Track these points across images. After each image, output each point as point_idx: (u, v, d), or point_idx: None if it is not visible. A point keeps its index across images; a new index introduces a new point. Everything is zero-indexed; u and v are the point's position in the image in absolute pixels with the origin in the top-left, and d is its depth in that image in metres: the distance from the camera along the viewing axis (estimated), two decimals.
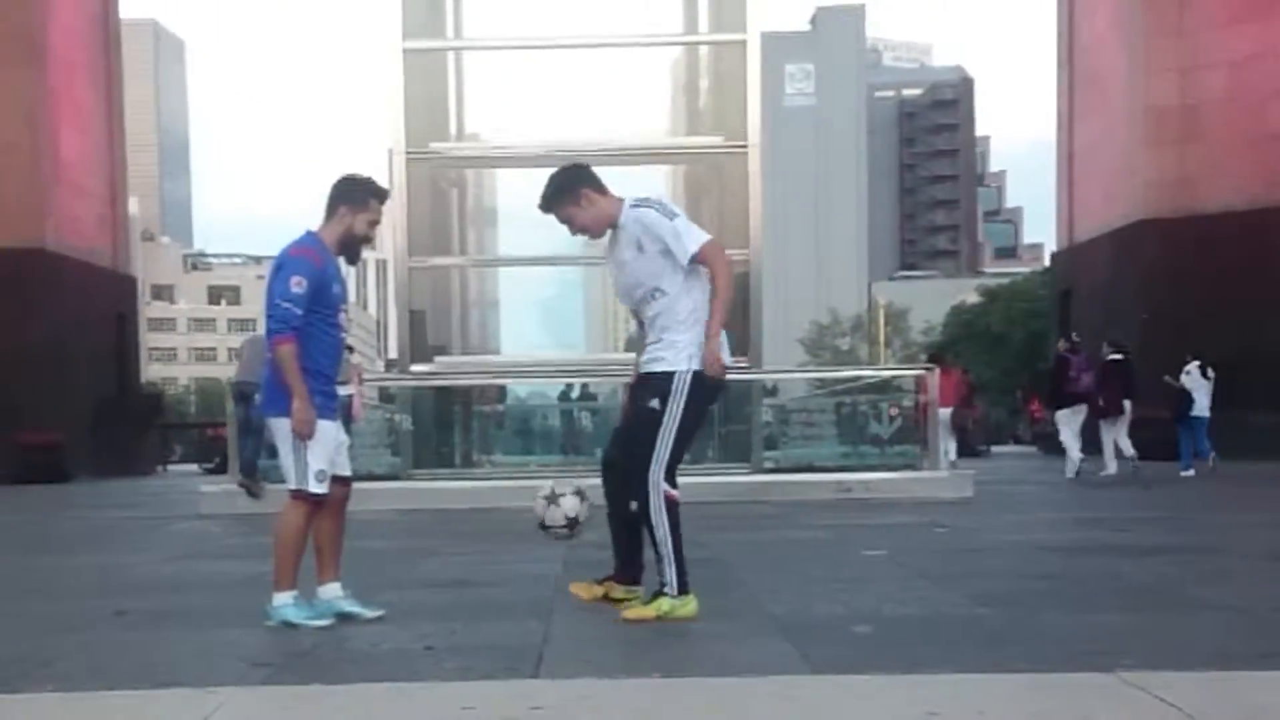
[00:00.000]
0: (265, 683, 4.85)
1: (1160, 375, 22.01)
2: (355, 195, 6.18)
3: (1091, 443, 20.13)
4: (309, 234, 6.16)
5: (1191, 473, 20.09)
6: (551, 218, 6.34)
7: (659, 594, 6.05)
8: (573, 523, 6.29)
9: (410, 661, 5.15)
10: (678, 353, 6.01)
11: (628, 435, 6.24)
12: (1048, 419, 20.27)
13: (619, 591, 6.35)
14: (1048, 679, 4.54)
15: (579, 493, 6.35)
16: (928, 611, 6.27)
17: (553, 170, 6.31)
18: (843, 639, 5.49)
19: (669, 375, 6.00)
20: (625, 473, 6.14)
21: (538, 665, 5.01)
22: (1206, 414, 20.90)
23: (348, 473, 6.32)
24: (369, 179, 6.29)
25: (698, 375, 5.98)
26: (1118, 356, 20.15)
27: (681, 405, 5.98)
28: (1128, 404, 19.51)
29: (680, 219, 6.01)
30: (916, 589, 7.10)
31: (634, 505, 6.09)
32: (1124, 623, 5.82)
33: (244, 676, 4.94)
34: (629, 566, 6.36)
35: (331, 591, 6.17)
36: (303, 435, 5.93)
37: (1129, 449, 19.19)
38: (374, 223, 6.22)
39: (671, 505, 6.02)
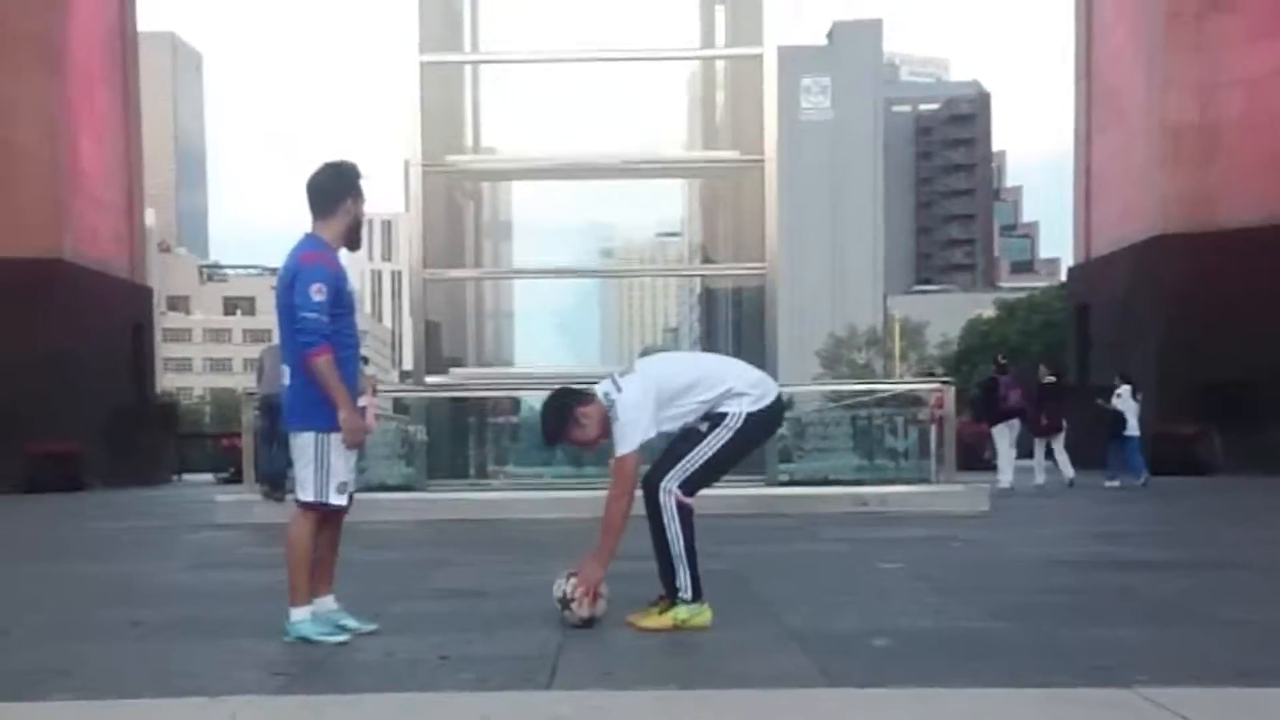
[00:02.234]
0: (280, 692, 4.86)
1: (1172, 392, 24.13)
2: (354, 183, 6.07)
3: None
4: (311, 237, 6.01)
5: (1117, 483, 21.51)
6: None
7: (673, 602, 6.05)
8: (589, 621, 6.27)
9: (425, 672, 5.16)
10: (738, 403, 6.17)
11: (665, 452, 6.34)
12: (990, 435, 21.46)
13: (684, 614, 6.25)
14: (1064, 694, 4.54)
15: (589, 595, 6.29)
16: (944, 625, 6.26)
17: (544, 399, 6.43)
18: (859, 652, 5.48)
19: (723, 414, 6.16)
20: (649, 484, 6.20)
21: (552, 676, 5.01)
22: (1137, 433, 22.51)
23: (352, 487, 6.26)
24: (349, 163, 6.15)
25: (752, 415, 6.13)
26: (1052, 379, 22.62)
27: (728, 436, 6.12)
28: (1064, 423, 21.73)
29: (620, 425, 6.12)
30: (933, 603, 7.08)
31: (648, 514, 6.17)
32: (1140, 637, 5.81)
33: (259, 686, 4.95)
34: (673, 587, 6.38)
35: (327, 605, 6.12)
36: (353, 445, 5.90)
37: (1069, 470, 21.59)
38: (363, 202, 6.16)
39: (684, 510, 6.08)
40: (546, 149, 20.51)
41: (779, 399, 6.36)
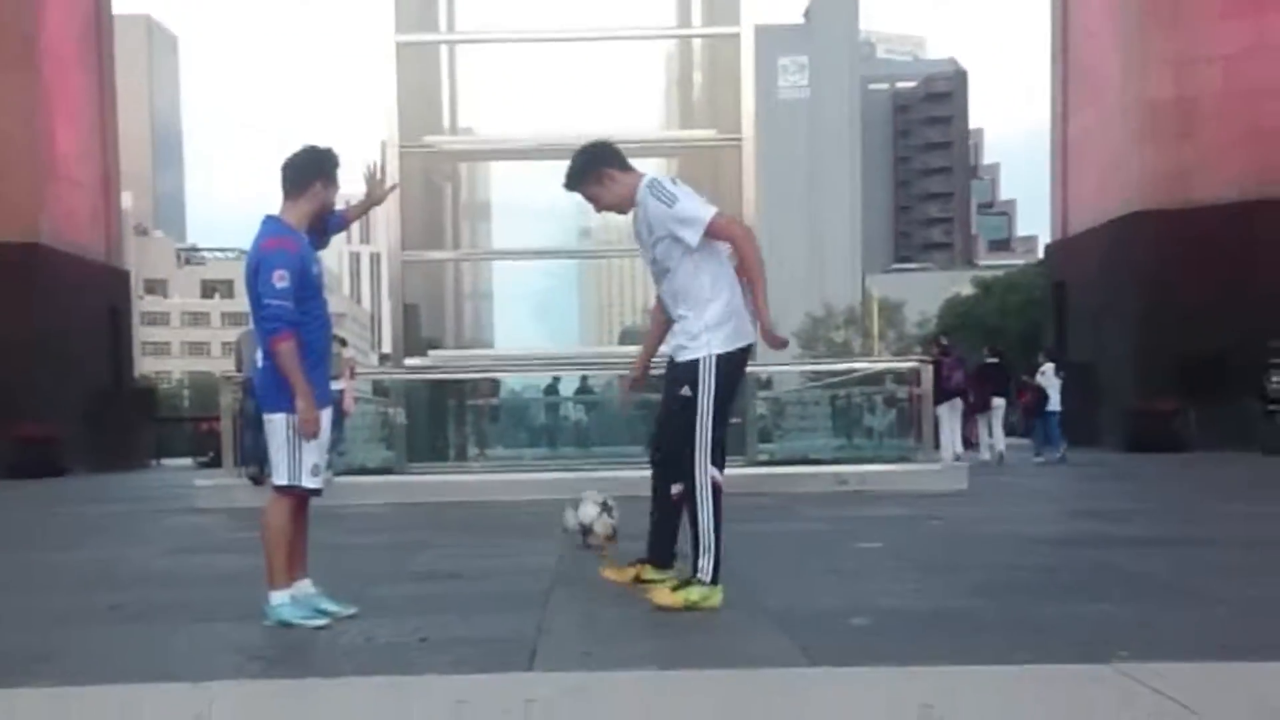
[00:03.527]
0: (260, 676, 4.84)
1: (1149, 368, 25.20)
2: (327, 169, 6.02)
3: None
4: (273, 221, 5.95)
5: (1042, 459, 23.01)
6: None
7: (689, 582, 6.05)
8: (585, 530, 6.31)
9: (405, 655, 5.14)
10: (696, 340, 6.07)
11: (665, 424, 6.34)
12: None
13: (650, 573, 6.46)
14: (1044, 670, 4.55)
15: (604, 505, 6.35)
16: (924, 603, 6.27)
17: (574, 151, 6.30)
18: (839, 631, 5.48)
19: (694, 363, 6.07)
20: (666, 463, 6.23)
21: (532, 658, 5.00)
22: (1059, 408, 23.66)
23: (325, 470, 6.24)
24: (330, 149, 6.09)
25: (720, 358, 6.05)
26: (994, 360, 23.92)
27: (712, 388, 6.05)
28: (999, 400, 22.87)
29: (680, 202, 6.02)
30: (913, 581, 7.09)
31: (675, 489, 6.20)
32: (1120, 613, 5.82)
33: (239, 670, 4.93)
34: (662, 551, 6.46)
35: (304, 588, 6.08)
36: (307, 435, 5.87)
37: (1000, 444, 22.76)
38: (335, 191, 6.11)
39: (717, 492, 6.10)
40: (524, 129, 20.44)
41: (746, 349, 6.28)
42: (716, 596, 6.07)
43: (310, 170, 6.01)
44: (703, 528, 6.05)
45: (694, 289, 6.04)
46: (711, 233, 5.99)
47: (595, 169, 6.19)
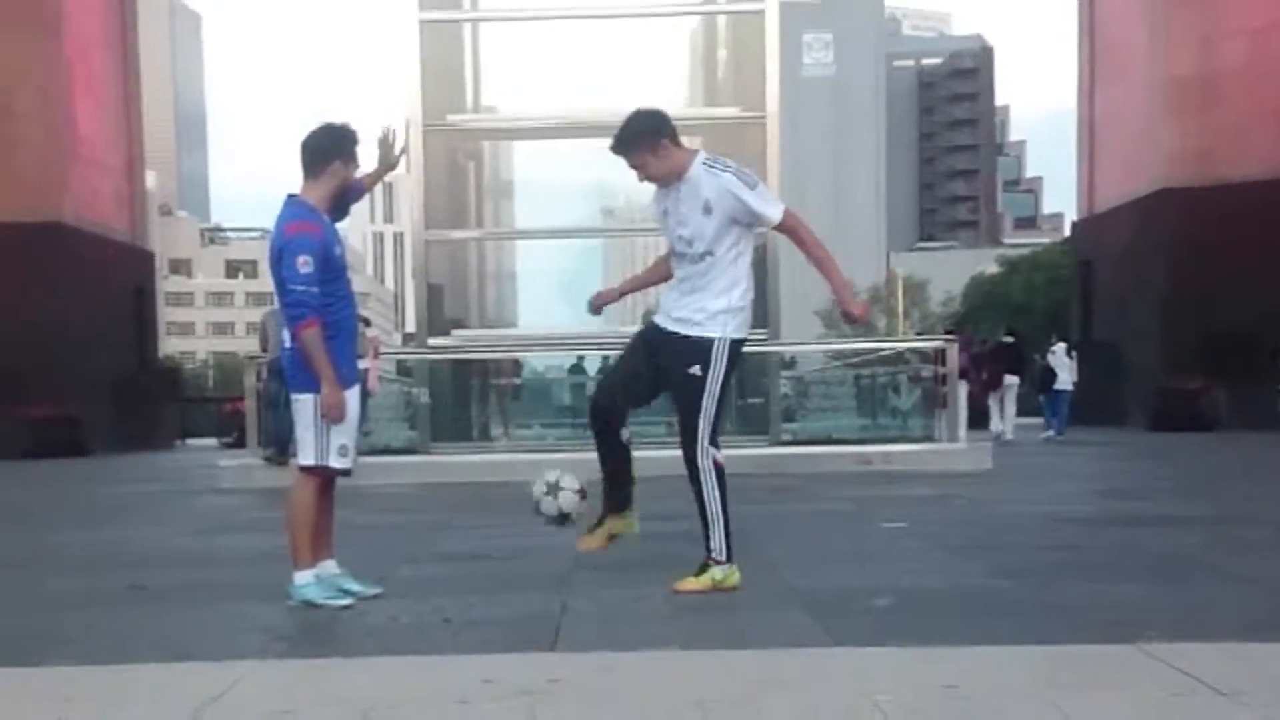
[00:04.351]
0: (285, 656, 4.86)
1: (1176, 347, 26.13)
2: (346, 147, 6.00)
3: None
4: (295, 202, 5.95)
5: (1051, 433, 24.01)
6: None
7: (706, 564, 6.05)
8: (564, 517, 6.31)
9: (429, 634, 5.16)
10: (714, 319, 6.04)
11: (630, 386, 6.34)
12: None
13: (619, 524, 6.48)
14: (1068, 650, 4.52)
15: (581, 491, 6.35)
16: (948, 583, 6.25)
17: (630, 114, 6.22)
18: (863, 611, 5.48)
19: (708, 342, 6.03)
20: (611, 411, 6.28)
21: (555, 638, 5.01)
22: (1069, 388, 24.67)
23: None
24: (348, 127, 6.07)
25: (733, 342, 6.05)
26: (1009, 340, 24.40)
27: (722, 371, 6.03)
28: (1012, 379, 23.29)
29: (761, 187, 6.04)
30: (936, 561, 7.08)
31: (624, 434, 6.28)
32: (1145, 594, 5.80)
33: (264, 650, 4.95)
34: (617, 493, 6.45)
35: (329, 568, 6.10)
36: (333, 419, 5.87)
37: (1002, 424, 23.03)
38: (356, 168, 6.09)
39: (720, 472, 6.08)
40: (548, 107, 20.41)
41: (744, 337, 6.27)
42: (735, 575, 6.07)
43: (329, 149, 5.99)
44: (712, 509, 6.04)
45: (721, 278, 6.02)
46: (788, 223, 6.04)
47: (652, 139, 6.10)
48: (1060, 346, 25.28)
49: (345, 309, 5.99)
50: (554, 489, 6.30)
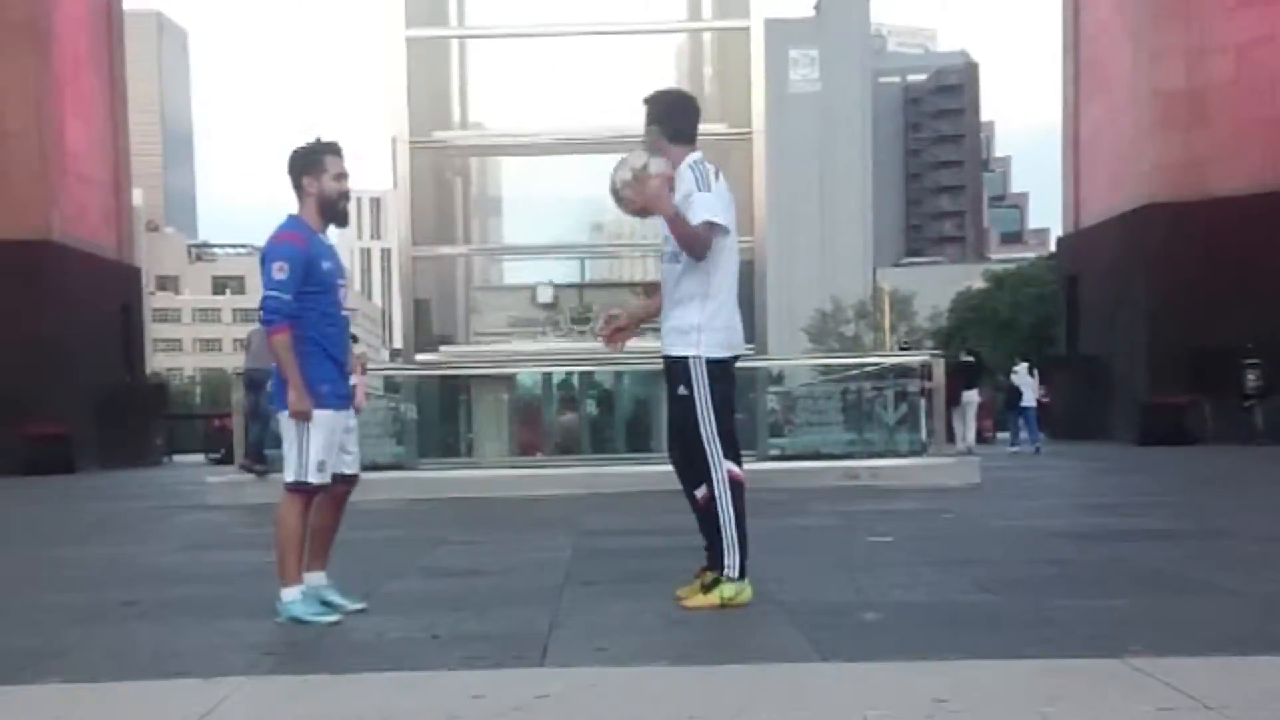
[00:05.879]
0: (272, 672, 4.85)
1: (1162, 362, 26.82)
2: (309, 161, 6.08)
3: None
4: (290, 217, 6.09)
5: (1017, 449, 25.75)
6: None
7: (718, 581, 6.01)
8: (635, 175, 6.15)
9: (417, 651, 5.15)
10: (687, 336, 6.01)
11: (672, 425, 6.27)
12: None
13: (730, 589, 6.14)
14: (1056, 664, 4.53)
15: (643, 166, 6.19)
16: (936, 598, 6.25)
17: (672, 90, 6.20)
18: (851, 626, 5.48)
19: (683, 362, 6.00)
20: (683, 464, 6.17)
21: (544, 654, 5.00)
22: (1032, 404, 26.41)
23: (353, 470, 6.28)
24: (314, 140, 6.18)
25: (710, 362, 5.98)
26: (969, 359, 25.80)
27: (706, 391, 5.98)
28: (971, 394, 24.23)
29: (711, 195, 6.00)
30: (924, 575, 7.08)
31: (699, 493, 6.09)
32: (1132, 608, 5.81)
33: (251, 666, 4.94)
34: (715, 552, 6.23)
35: (316, 579, 6.11)
36: (300, 419, 5.89)
37: (965, 439, 23.73)
38: (340, 176, 6.10)
39: (736, 487, 6.00)
40: (534, 124, 20.44)
41: (735, 359, 6.20)
42: (747, 592, 6.02)
43: (296, 169, 6.13)
44: (724, 525, 5.99)
45: (698, 280, 5.99)
46: (697, 226, 5.95)
47: (679, 124, 6.19)
48: (1023, 366, 27.07)
49: (333, 326, 6.02)
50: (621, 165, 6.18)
